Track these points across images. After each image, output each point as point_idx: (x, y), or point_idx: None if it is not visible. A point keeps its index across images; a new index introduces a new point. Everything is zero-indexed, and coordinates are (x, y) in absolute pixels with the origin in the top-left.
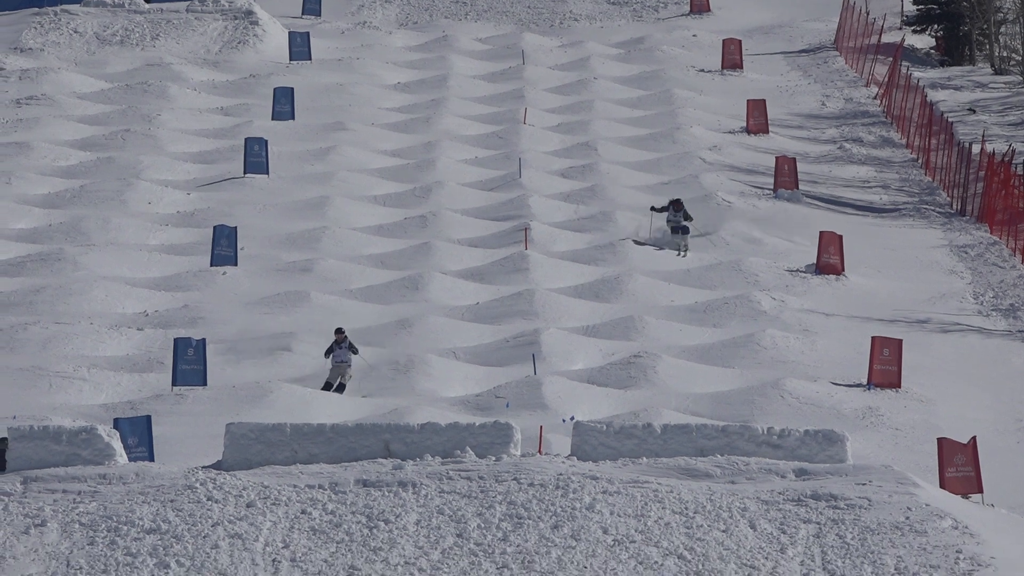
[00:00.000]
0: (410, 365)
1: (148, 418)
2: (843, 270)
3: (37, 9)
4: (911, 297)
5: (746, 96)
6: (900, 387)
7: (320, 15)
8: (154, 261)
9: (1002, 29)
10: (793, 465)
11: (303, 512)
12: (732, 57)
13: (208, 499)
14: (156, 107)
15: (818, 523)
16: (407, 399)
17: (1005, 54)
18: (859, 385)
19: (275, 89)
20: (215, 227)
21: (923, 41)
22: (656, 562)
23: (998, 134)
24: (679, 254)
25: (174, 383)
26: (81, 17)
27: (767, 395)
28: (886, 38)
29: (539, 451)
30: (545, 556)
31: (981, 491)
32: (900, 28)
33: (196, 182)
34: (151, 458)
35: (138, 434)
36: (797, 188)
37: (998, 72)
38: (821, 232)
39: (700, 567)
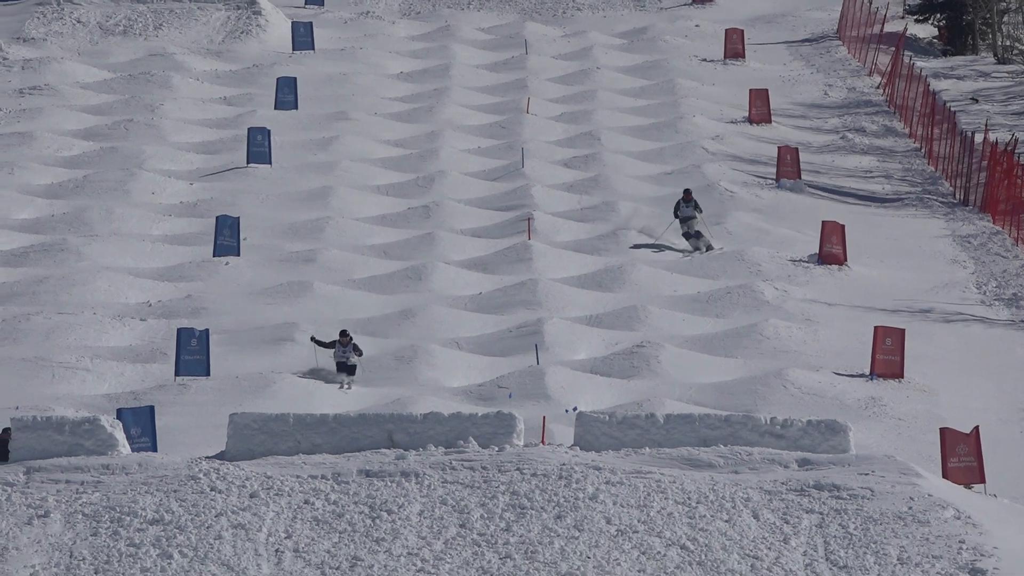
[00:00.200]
0: (413, 355)
1: (151, 408)
2: (846, 260)
3: None
4: (914, 287)
5: (749, 85)
6: (903, 377)
7: (323, 4)
8: (157, 251)
9: (1005, 18)
10: (796, 455)
11: (306, 502)
12: (735, 46)
13: (211, 489)
14: (159, 97)
15: (821, 513)
16: (410, 389)
17: (1008, 43)
18: (862, 375)
19: (278, 79)
20: (218, 217)
21: (926, 30)
22: (659, 552)
23: (1001, 123)
24: (701, 251)
25: (177, 373)
26: (84, 7)
27: (770, 385)
28: (889, 27)
29: (542, 441)
30: (548, 546)
31: (984, 481)
32: (903, 17)
33: (199, 172)
34: (154, 448)
35: (141, 424)
36: (800, 178)
37: (1001, 61)
38: (823, 222)
39: (703, 557)
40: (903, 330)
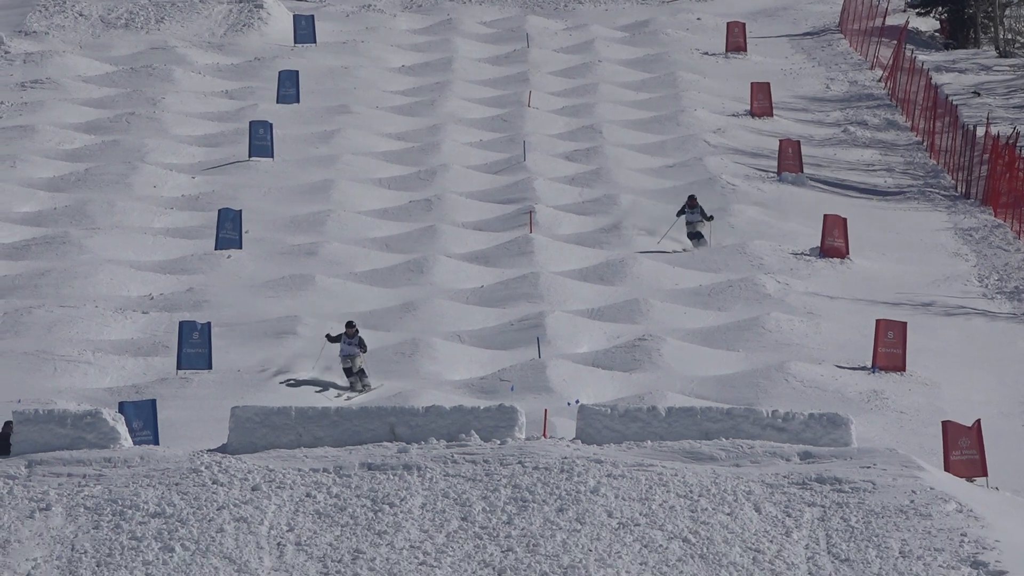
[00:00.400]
0: (415, 348)
1: (153, 402)
2: (847, 253)
3: None
4: (915, 280)
5: (750, 79)
6: (904, 370)
7: None
8: (159, 244)
9: (1007, 11)
10: (798, 448)
11: (308, 495)
12: (736, 40)
13: (213, 483)
14: (161, 90)
15: (823, 506)
16: (412, 382)
17: (1010, 36)
18: (864, 368)
19: (280, 72)
20: (220, 210)
21: (927, 23)
22: (661, 545)
23: (1003, 116)
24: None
25: (179, 367)
26: (86, 0)
27: (772, 378)
28: (890, 20)
29: (544, 434)
30: (550, 539)
31: (986, 474)
32: (904, 10)
33: (201, 165)
34: (156, 442)
35: (143, 418)
36: (801, 171)
37: (1003, 55)
38: (825, 215)
39: (705, 550)
40: (905, 323)
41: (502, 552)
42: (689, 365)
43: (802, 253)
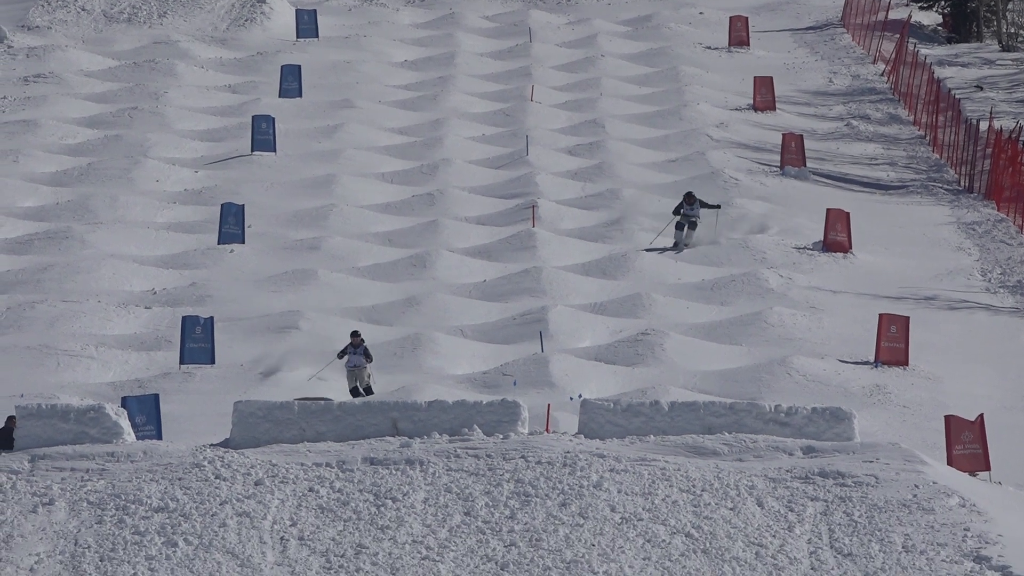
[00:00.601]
0: (417, 343)
1: (156, 396)
2: (850, 247)
3: None
4: (918, 274)
5: (753, 73)
6: (907, 364)
7: None
8: (161, 239)
9: (1009, 5)
10: (800, 443)
11: (311, 490)
12: (739, 34)
13: (216, 477)
14: (163, 85)
15: (825, 501)
16: (414, 377)
17: (1013, 30)
18: (866, 362)
19: (282, 67)
20: (222, 205)
21: (930, 18)
22: (663, 540)
23: (1006, 111)
24: (679, 247)
25: (182, 361)
26: None
27: (774, 373)
28: (893, 14)
29: (546, 429)
30: (552, 534)
31: (988, 469)
32: (907, 4)
33: (203, 160)
34: (159, 436)
35: (146, 412)
36: (804, 165)
37: (1005, 49)
38: (828, 209)
39: (707, 545)
40: (907, 317)
41: (505, 547)
42: (692, 360)
43: (805, 247)
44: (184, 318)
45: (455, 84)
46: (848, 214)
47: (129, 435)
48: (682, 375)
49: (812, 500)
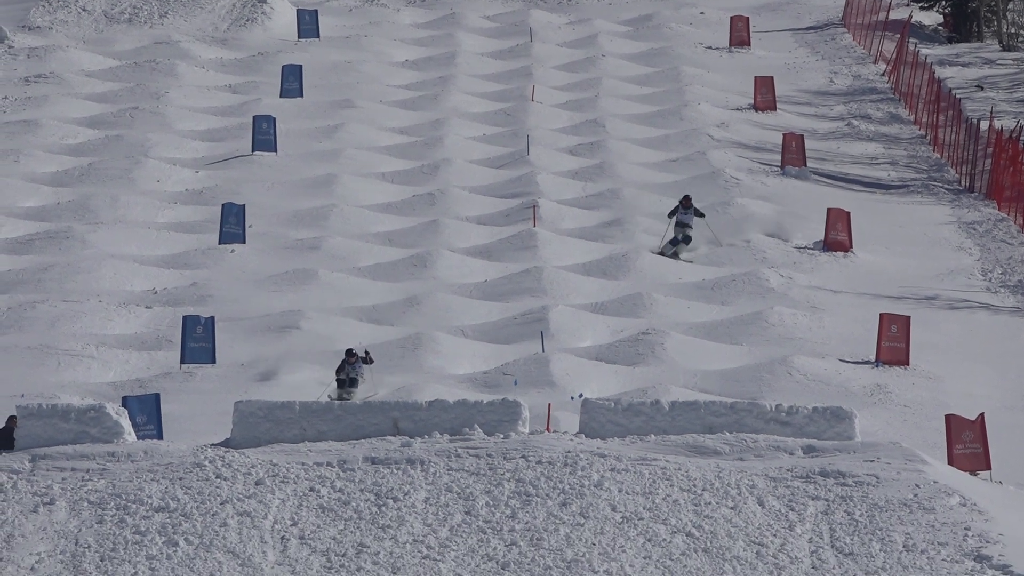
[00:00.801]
0: (418, 343)
1: (157, 396)
2: (851, 247)
3: None
4: (919, 274)
5: (754, 73)
6: (908, 364)
7: None
8: (162, 239)
9: (1010, 5)
10: (801, 442)
11: (311, 490)
12: (740, 34)
13: (217, 477)
14: (164, 85)
15: (826, 500)
16: (415, 376)
17: (1013, 30)
18: (867, 362)
19: (283, 67)
20: (223, 205)
21: (931, 17)
22: (664, 539)
23: (1006, 111)
24: (670, 254)
25: (183, 361)
26: None
27: (775, 372)
28: (894, 14)
29: (547, 429)
30: (553, 533)
31: (989, 468)
32: (908, 4)
33: (204, 160)
34: (160, 436)
35: (147, 412)
36: (805, 165)
37: (1006, 48)
38: (829, 209)
39: (708, 544)
40: (908, 317)
41: (505, 546)
42: (692, 359)
43: (805, 247)
44: (185, 318)
45: (456, 84)
46: (849, 214)
47: (130, 435)
48: (683, 374)
49: (813, 499)
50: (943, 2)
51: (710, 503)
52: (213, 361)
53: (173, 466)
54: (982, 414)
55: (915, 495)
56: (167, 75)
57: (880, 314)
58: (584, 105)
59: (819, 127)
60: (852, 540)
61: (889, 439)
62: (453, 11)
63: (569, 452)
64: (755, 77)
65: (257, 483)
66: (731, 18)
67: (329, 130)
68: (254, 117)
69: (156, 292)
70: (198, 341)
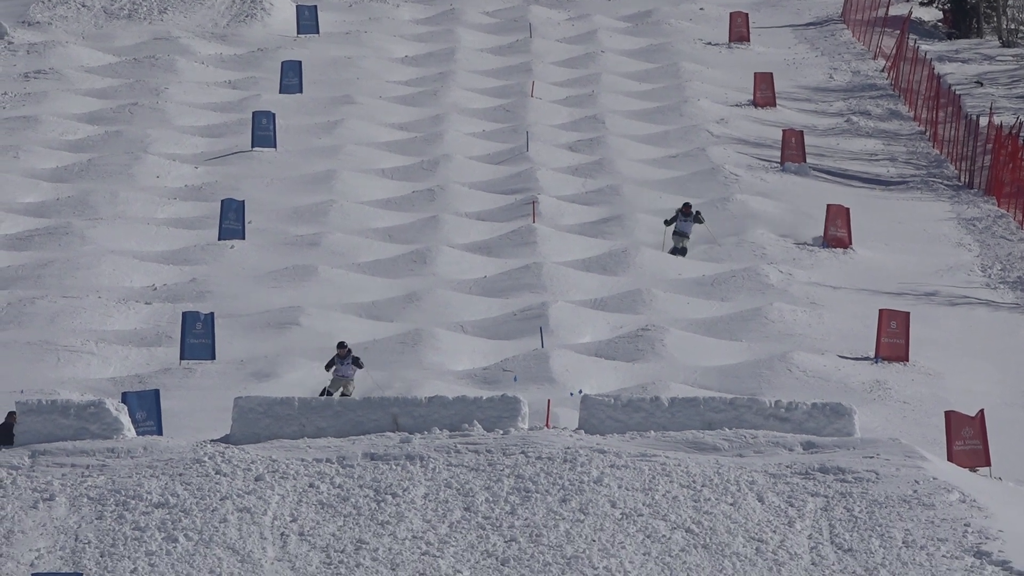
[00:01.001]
0: (418, 339)
1: (156, 392)
2: (850, 243)
3: None
4: (919, 270)
5: (753, 69)
6: (908, 360)
7: None
8: (162, 235)
9: (1009, 1)
10: (801, 438)
11: (311, 486)
12: (739, 30)
13: (216, 473)
14: (164, 81)
15: (826, 496)
16: (415, 372)
17: (1013, 26)
18: (867, 358)
19: (283, 62)
20: (223, 201)
21: (930, 13)
22: (664, 535)
23: (1006, 107)
24: (668, 250)
25: (182, 357)
26: None
27: (775, 368)
28: (893, 10)
29: (547, 425)
30: (553, 529)
31: (989, 464)
32: (907, 0)
33: (204, 156)
34: (159, 432)
35: (146, 408)
36: (804, 161)
37: (1006, 44)
38: (828, 205)
39: (708, 540)
40: (908, 313)
41: (505, 542)
42: (692, 355)
43: (805, 243)
44: (184, 314)
45: (455, 80)
46: (848, 210)
47: (129, 431)
48: (682, 371)
49: (812, 496)
50: None
51: (709, 499)
52: (213, 357)
53: (173, 462)
54: (982, 410)
55: (915, 491)
56: (167, 71)
57: (880, 310)
58: (584, 101)
59: (819, 123)
60: (851, 536)
61: (889, 435)
62: (452, 7)
63: (569, 448)
64: (755, 73)
65: (257, 479)
66: (731, 14)
67: (329, 126)
68: (253, 113)
69: (156, 288)
70: (198, 337)
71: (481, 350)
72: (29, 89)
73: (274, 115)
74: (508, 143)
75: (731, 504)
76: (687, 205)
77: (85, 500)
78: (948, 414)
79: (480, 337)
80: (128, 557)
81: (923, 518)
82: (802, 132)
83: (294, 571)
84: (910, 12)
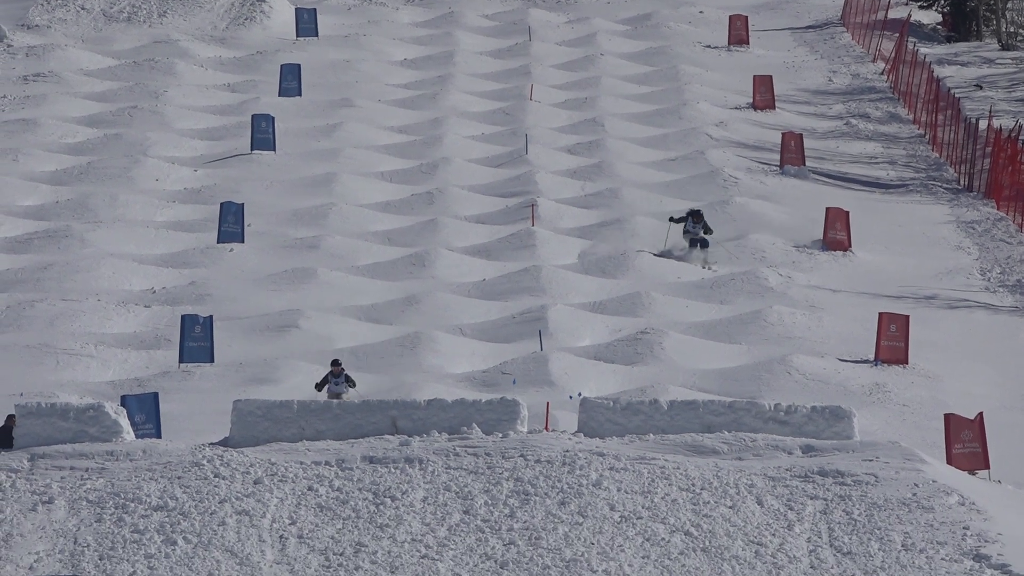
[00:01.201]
0: (417, 341)
1: (155, 395)
2: (850, 246)
3: None
4: (918, 273)
5: (752, 72)
6: (907, 363)
7: None
8: (161, 238)
9: (1009, 4)
10: (800, 441)
11: (310, 489)
12: (738, 33)
13: (215, 476)
14: (163, 84)
15: (825, 499)
16: (414, 375)
17: (1012, 29)
18: (866, 361)
19: (282, 66)
20: (222, 204)
21: (930, 16)
22: (663, 539)
23: (1005, 110)
24: (704, 267)
25: (181, 360)
26: None
27: (774, 371)
28: (893, 13)
29: (546, 428)
30: (552, 533)
31: (988, 467)
32: (907, 3)
33: (203, 159)
34: (158, 435)
35: (145, 411)
36: (804, 164)
37: (1005, 48)
38: (828, 208)
39: (707, 543)
40: (907, 316)
41: (504, 545)
42: (691, 358)
43: (804, 246)
44: (183, 317)
45: (454, 83)
46: (848, 213)
47: (128, 434)
48: (681, 374)
49: (811, 499)
50: (942, 1)
51: (709, 502)
52: (211, 360)
53: (172, 465)
54: (981, 413)
55: (914, 494)
56: (166, 74)
57: (879, 313)
58: (583, 104)
59: (818, 126)
60: (851, 539)
61: (888, 438)
62: (452, 10)
63: (568, 451)
64: (754, 76)
65: (255, 482)
66: (730, 17)
67: (328, 129)
68: (253, 116)
69: (155, 291)
70: (197, 340)
71: (480, 353)
72: (28, 92)
73: (273, 118)
74: (507, 146)
75: (730, 507)
76: (699, 213)
77: (84, 503)
78: (947, 417)
79: (479, 340)
80: (127, 560)
81: (922, 521)
82: (801, 135)
83: (293, 574)
84: (909, 15)
